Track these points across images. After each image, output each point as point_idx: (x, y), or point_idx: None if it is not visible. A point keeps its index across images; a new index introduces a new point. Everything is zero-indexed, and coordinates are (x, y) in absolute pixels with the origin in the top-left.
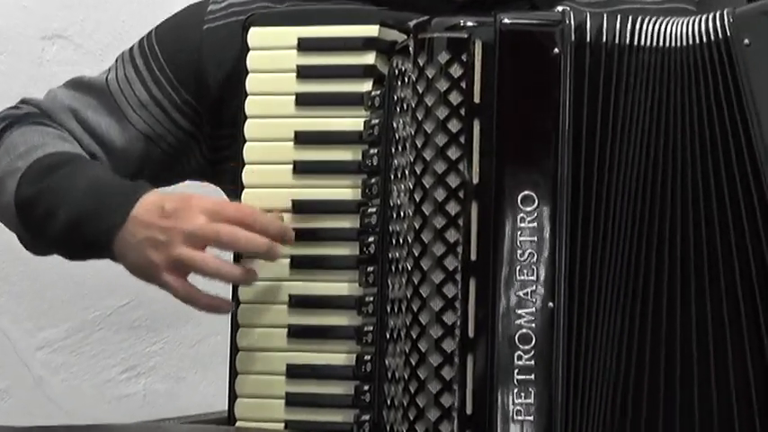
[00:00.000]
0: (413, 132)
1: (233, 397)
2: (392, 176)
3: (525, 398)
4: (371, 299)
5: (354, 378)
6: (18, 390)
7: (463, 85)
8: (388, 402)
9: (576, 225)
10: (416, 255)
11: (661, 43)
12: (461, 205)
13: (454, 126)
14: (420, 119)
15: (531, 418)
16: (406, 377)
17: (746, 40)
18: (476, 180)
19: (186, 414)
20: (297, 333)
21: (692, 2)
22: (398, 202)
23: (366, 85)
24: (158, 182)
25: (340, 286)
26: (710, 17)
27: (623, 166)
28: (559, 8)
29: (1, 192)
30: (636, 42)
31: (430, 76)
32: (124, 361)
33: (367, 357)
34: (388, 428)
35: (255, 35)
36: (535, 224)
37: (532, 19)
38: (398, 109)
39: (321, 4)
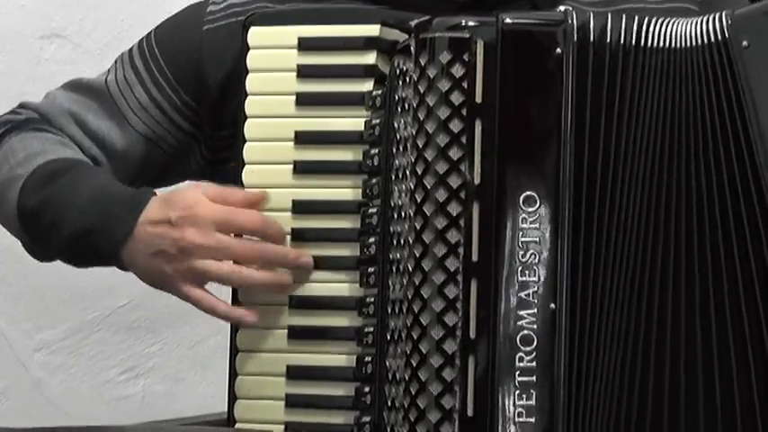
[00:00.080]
0: (414, 132)
1: (232, 398)
2: (393, 177)
3: (527, 399)
4: (372, 300)
5: (355, 379)
6: (16, 391)
7: (465, 84)
8: (389, 404)
9: (579, 225)
10: (417, 255)
11: (664, 44)
12: (463, 206)
13: (456, 126)
14: (421, 119)
15: (533, 419)
16: (407, 378)
17: (745, 42)
18: (477, 180)
19: (185, 415)
20: (297, 334)
21: (695, 2)
22: (399, 203)
23: (367, 85)
24: (158, 183)
25: (340, 287)
26: (710, 19)
27: (626, 166)
28: (562, 8)
29: (2, 200)
30: (639, 43)
31: (431, 76)
32: (123, 362)
33: (367, 359)
34: (388, 430)
35: (255, 34)
36: (537, 225)
37: (535, 19)
38: (399, 109)
39: (322, 3)
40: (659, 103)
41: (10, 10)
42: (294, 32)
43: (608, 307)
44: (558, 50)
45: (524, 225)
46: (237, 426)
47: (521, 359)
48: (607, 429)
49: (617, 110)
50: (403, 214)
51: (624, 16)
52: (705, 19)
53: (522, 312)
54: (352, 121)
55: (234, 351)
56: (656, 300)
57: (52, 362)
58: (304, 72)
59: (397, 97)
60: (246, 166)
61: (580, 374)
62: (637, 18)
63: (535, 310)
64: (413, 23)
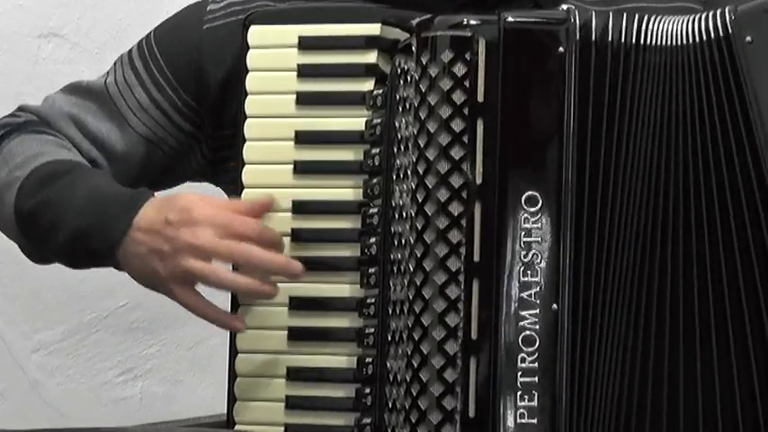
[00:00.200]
0: (415, 132)
1: (232, 400)
2: (394, 176)
3: (529, 401)
4: (373, 300)
5: (355, 381)
6: (13, 393)
7: (466, 83)
8: (390, 405)
9: (581, 225)
10: (419, 256)
11: (666, 42)
12: (464, 205)
13: (457, 125)
14: (423, 118)
15: (535, 420)
16: (408, 380)
17: (748, 38)
18: (479, 180)
19: (184, 417)
20: (297, 335)
21: (699, 1)
22: (400, 203)
23: (368, 85)
24: (160, 185)
25: (341, 288)
26: (713, 14)
27: (629, 166)
28: (564, 7)
29: (0, 204)
30: (641, 41)
31: (433, 75)
32: (121, 363)
33: (368, 360)
34: (389, 431)
35: (255, 33)
36: (539, 225)
37: (537, 17)
38: (401, 108)
39: (322, 2)
40: (661, 101)
41: (8, 9)
42: (294, 31)
43: (610, 306)
44: (561, 49)
45: (526, 225)
46: (237, 428)
47: (523, 360)
48: (609, 430)
49: (619, 108)
50: (404, 214)
51: (625, 14)
52: (707, 15)
53: (524, 313)
54: (353, 121)
55: (233, 352)
56: (658, 299)
57: (50, 363)
58: (304, 71)
59: (398, 96)
60: (246, 166)
61: (582, 375)
62: (638, 16)
63: (537, 311)
64: (414, 22)
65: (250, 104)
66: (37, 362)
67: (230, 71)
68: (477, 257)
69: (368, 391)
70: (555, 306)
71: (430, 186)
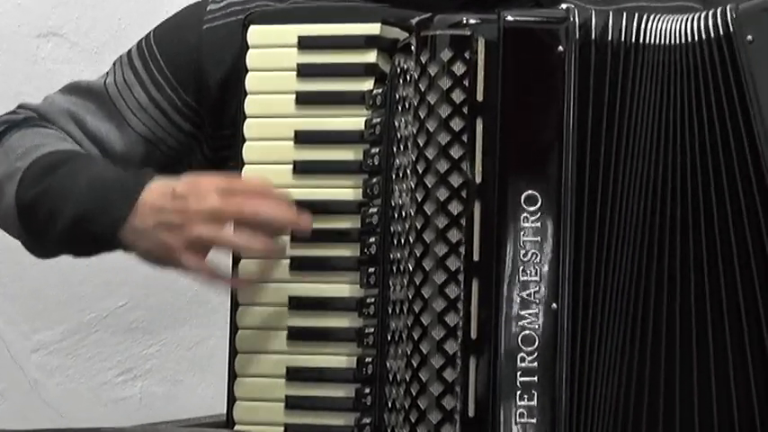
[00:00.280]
0: (415, 131)
1: (232, 400)
2: (394, 176)
3: (528, 400)
4: (372, 300)
5: (355, 381)
6: (13, 393)
7: (466, 83)
8: (389, 405)
9: (581, 224)
10: (418, 255)
11: (666, 41)
12: (464, 205)
13: (457, 125)
14: (422, 117)
15: (535, 420)
16: (408, 379)
17: (749, 36)
18: (478, 179)
19: (184, 417)
20: (296, 335)
21: (699, 0)
22: (400, 202)
23: (367, 84)
24: None
25: (340, 288)
26: (713, 13)
27: (628, 165)
28: (563, 5)
29: (1, 196)
30: (640, 40)
31: (432, 74)
32: (120, 363)
33: (368, 360)
34: (389, 431)
35: (255, 33)
36: (539, 224)
37: (536, 16)
38: (400, 108)
39: (322, 1)
40: (661, 100)
41: (7, 9)
42: (294, 31)
43: (610, 306)
44: (560, 48)
45: (526, 224)
46: (237, 428)
47: (522, 359)
48: (609, 429)
49: (619, 107)
50: (404, 214)
51: (625, 13)
52: (707, 14)
53: (523, 312)
54: (353, 121)
55: (233, 352)
56: (658, 298)
57: (49, 363)
58: (304, 71)
59: (397, 96)
60: (246, 166)
61: (582, 374)
62: (637, 15)
63: (537, 310)
64: (414, 21)
65: (250, 104)
66: (37, 362)
67: (230, 71)
68: (476, 257)
69: (368, 390)
70: (554, 306)
71: (429, 186)
